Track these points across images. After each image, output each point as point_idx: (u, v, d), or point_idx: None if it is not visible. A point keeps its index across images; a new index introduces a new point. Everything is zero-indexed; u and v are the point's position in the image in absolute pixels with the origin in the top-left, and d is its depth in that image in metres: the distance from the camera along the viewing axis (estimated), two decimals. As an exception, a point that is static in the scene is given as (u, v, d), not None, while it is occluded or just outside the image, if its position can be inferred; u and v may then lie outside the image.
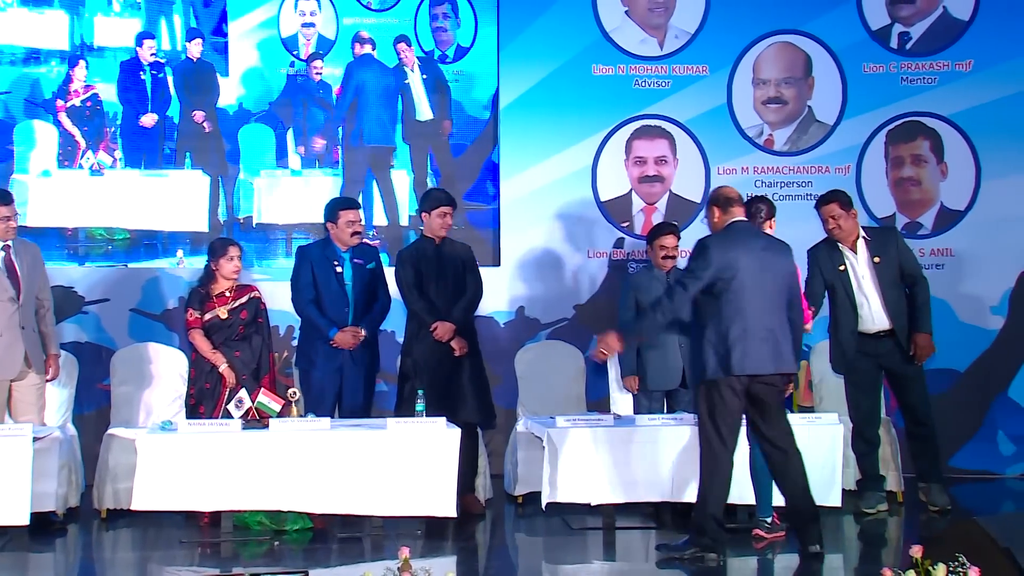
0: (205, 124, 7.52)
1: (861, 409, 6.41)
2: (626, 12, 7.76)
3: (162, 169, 7.50)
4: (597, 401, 7.18)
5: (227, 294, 6.26)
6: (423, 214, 6.43)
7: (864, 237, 6.38)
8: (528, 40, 7.65)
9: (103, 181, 7.44)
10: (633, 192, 7.82)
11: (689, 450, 5.82)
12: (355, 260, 6.40)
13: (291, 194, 7.62)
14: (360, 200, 7.21)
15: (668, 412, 6.41)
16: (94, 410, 6.97)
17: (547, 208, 7.69)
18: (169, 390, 6.75)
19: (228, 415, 5.86)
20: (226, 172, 7.57)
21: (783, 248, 5.46)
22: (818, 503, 5.87)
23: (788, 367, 5.29)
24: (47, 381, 6.12)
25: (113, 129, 7.45)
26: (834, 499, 5.89)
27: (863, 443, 6.43)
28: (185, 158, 7.54)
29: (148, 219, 7.47)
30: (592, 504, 5.86)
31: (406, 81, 7.71)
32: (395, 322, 7.19)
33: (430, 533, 5.77)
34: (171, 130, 7.51)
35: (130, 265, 7.40)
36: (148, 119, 7.46)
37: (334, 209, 6.41)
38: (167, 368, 6.80)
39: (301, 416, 5.84)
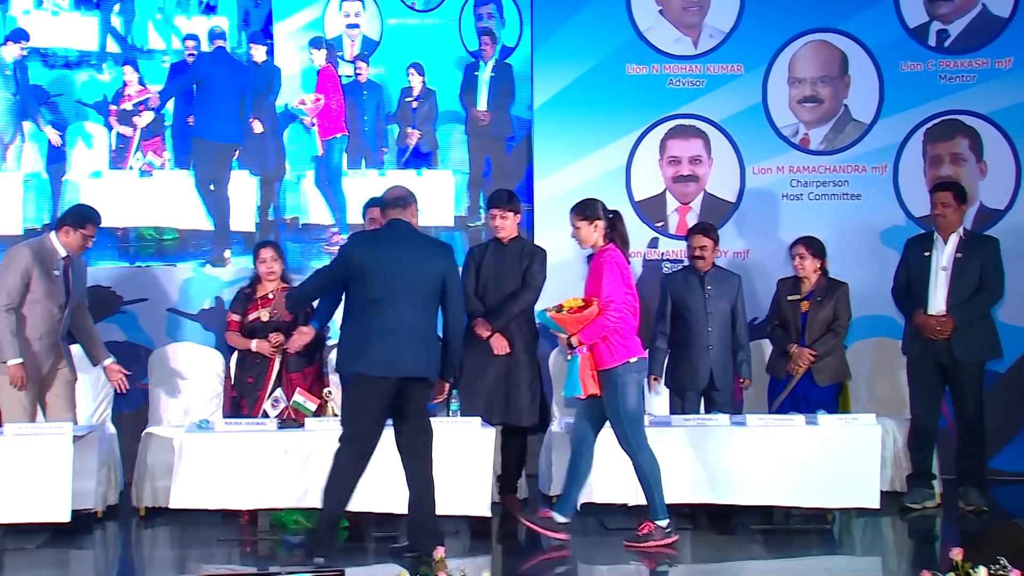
0: (254, 125, 7.55)
1: (917, 405, 6.49)
2: (660, 11, 7.73)
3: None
4: (632, 401, 7.16)
5: (271, 296, 6.30)
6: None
7: (961, 236, 6.43)
8: (561, 40, 7.63)
9: (152, 182, 7.50)
10: (667, 192, 7.79)
11: (726, 451, 5.81)
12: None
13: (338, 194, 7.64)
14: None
15: (705, 412, 6.39)
16: (132, 409, 7.03)
17: (581, 208, 7.67)
18: (206, 389, 6.81)
19: (265, 415, 5.91)
20: (273, 173, 7.59)
21: (436, 250, 5.35)
22: (855, 504, 5.86)
23: (406, 371, 5.15)
24: (120, 394, 6.35)
25: (162, 131, 7.50)
26: (871, 500, 5.85)
27: (916, 439, 6.47)
28: (233, 158, 7.58)
29: (197, 219, 7.52)
30: (628, 505, 5.85)
31: (475, 73, 7.71)
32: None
33: (469, 533, 5.76)
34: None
35: (179, 265, 7.44)
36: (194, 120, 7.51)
37: (363, 206, 6.48)
38: (204, 367, 6.85)
39: (336, 415, 5.87)
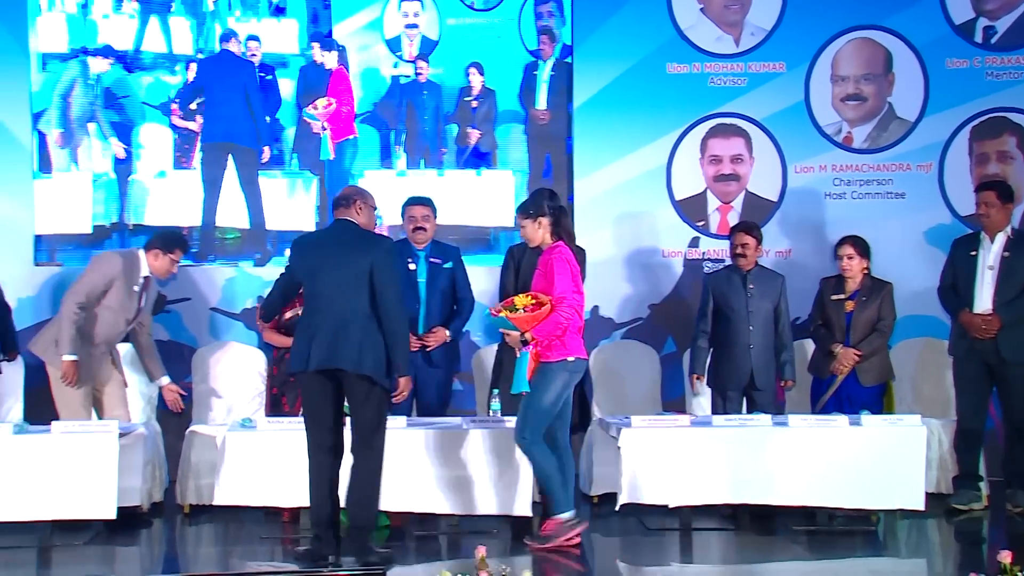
0: (313, 125, 7.56)
1: (963, 405, 6.42)
2: (701, 9, 7.70)
3: (271, 169, 7.58)
4: (673, 401, 7.15)
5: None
6: None
7: (1009, 235, 6.38)
8: (601, 39, 7.61)
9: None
10: (708, 191, 7.75)
11: (769, 451, 5.76)
12: (431, 259, 6.42)
13: (395, 195, 7.49)
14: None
15: (747, 412, 6.35)
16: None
17: (621, 207, 7.65)
18: (248, 388, 6.86)
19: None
20: (332, 172, 7.60)
21: (366, 244, 5.22)
22: (900, 506, 5.80)
23: (334, 363, 5.08)
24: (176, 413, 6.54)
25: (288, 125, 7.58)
26: (916, 502, 5.78)
27: (963, 439, 6.41)
28: (293, 159, 7.59)
29: (260, 219, 7.55)
30: (669, 506, 5.82)
31: (535, 72, 7.70)
32: (469, 321, 7.22)
33: (510, 533, 5.77)
34: (280, 131, 7.59)
35: (241, 264, 7.48)
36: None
37: (402, 205, 6.48)
38: (246, 366, 6.91)
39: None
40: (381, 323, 5.15)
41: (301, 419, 5.72)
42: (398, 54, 7.67)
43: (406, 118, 7.66)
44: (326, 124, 7.59)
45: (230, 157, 7.51)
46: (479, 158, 7.71)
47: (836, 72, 7.68)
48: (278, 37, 7.60)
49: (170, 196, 7.46)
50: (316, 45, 7.59)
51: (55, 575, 5.19)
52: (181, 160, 7.53)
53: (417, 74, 7.67)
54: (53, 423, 5.60)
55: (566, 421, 5.63)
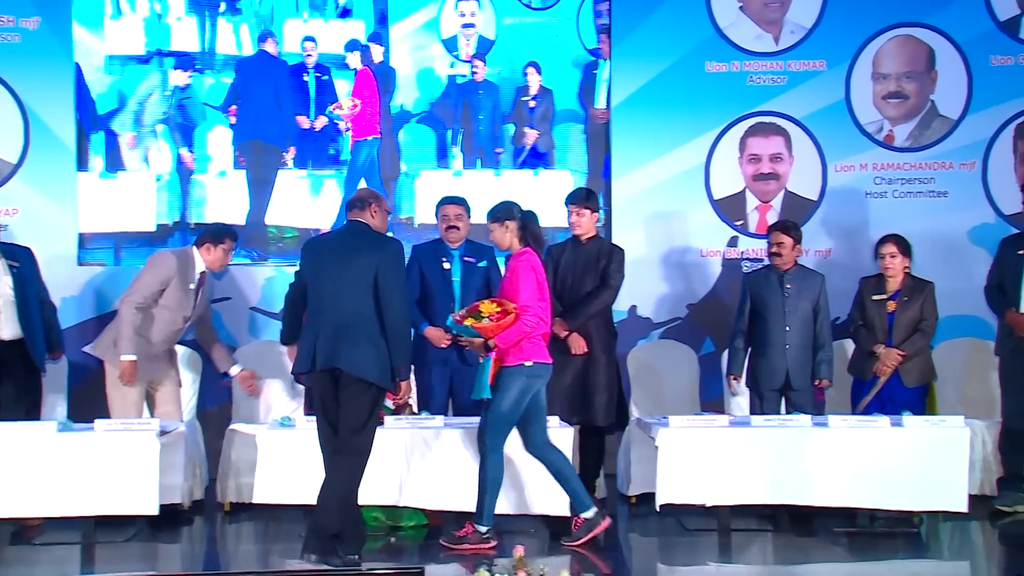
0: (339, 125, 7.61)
1: (1009, 406, 6.36)
2: (740, 8, 7.66)
3: (328, 169, 7.63)
4: (711, 401, 7.12)
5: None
6: None
7: None
8: (640, 38, 7.60)
9: (276, 181, 7.58)
10: (747, 190, 7.71)
11: (808, 452, 5.72)
12: (465, 257, 6.44)
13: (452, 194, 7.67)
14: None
15: (785, 413, 6.31)
16: (216, 406, 7.15)
17: (659, 206, 7.63)
18: (287, 386, 6.90)
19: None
20: (389, 172, 7.62)
21: (372, 245, 5.19)
22: (943, 508, 5.74)
23: (333, 364, 5.06)
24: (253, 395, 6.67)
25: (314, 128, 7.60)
26: (959, 504, 5.72)
27: (1008, 440, 6.35)
28: (349, 158, 7.63)
29: (315, 218, 7.59)
30: (707, 506, 5.80)
31: (594, 71, 7.69)
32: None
33: (547, 532, 5.77)
34: (335, 131, 7.64)
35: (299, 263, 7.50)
36: (303, 120, 7.58)
37: (435, 205, 6.52)
38: (285, 365, 6.93)
39: (415, 414, 5.91)
40: (383, 325, 5.13)
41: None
42: (455, 54, 7.67)
43: (462, 118, 7.66)
44: (349, 124, 7.61)
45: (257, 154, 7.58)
46: (537, 158, 7.69)
47: (877, 70, 7.62)
48: (341, 38, 7.61)
49: (230, 195, 7.53)
50: (372, 45, 7.60)
51: (99, 571, 5.25)
52: (240, 160, 7.59)
53: (473, 73, 7.66)
54: (96, 421, 5.66)
55: (542, 424, 5.62)
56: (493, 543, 5.46)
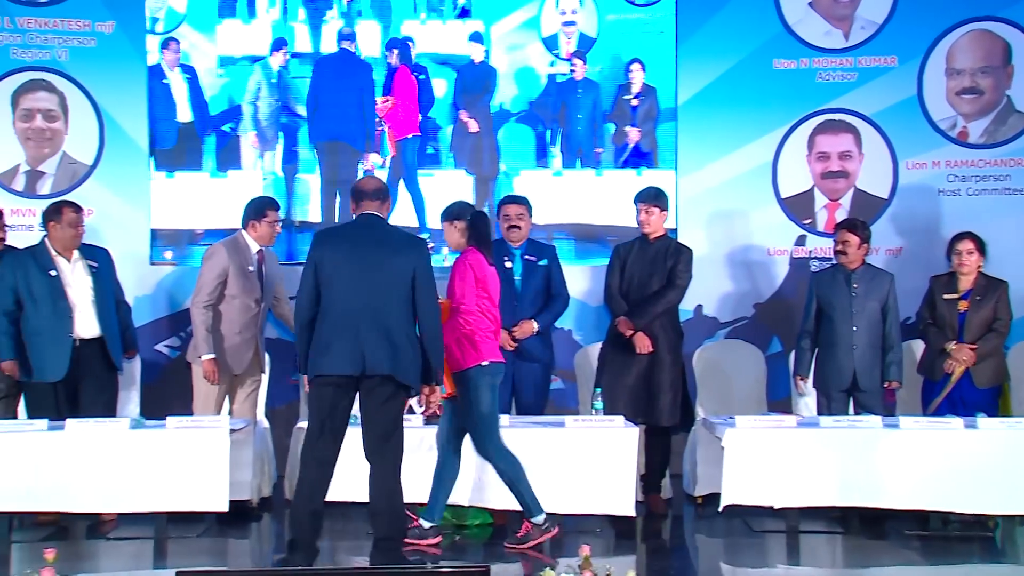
0: (470, 124, 7.63)
1: None
2: (809, 4, 7.57)
3: (427, 168, 7.66)
4: (778, 401, 7.04)
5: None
6: None
7: None
8: (707, 35, 7.54)
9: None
10: (815, 188, 7.62)
11: (879, 453, 5.64)
12: (526, 256, 6.46)
13: (551, 194, 7.58)
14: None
15: (854, 414, 6.22)
16: (285, 404, 7.24)
17: (725, 205, 7.57)
18: (354, 386, 6.95)
19: (411, 411, 5.99)
20: (488, 172, 7.65)
21: (406, 244, 5.17)
22: (1019, 511, 5.62)
23: (367, 369, 5.00)
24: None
25: (380, 131, 7.65)
26: (1036, 508, 5.60)
27: None
28: (449, 158, 7.65)
29: (414, 217, 7.61)
30: (775, 507, 5.74)
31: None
32: (570, 319, 7.24)
33: (613, 532, 5.75)
34: (434, 131, 7.67)
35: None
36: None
37: (496, 204, 6.53)
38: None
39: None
40: (420, 327, 5.09)
41: (407, 416, 5.79)
42: (555, 52, 7.65)
43: (561, 117, 7.62)
44: (385, 122, 7.63)
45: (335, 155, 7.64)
46: (640, 157, 7.63)
47: (951, 65, 7.49)
48: (445, 38, 7.64)
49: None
50: (476, 45, 7.61)
51: (171, 565, 5.33)
52: (316, 159, 7.64)
53: (572, 71, 7.62)
54: (168, 419, 5.76)
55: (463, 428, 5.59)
56: (555, 530, 5.44)
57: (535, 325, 6.34)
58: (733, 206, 7.58)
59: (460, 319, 5.40)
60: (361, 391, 5.12)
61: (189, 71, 7.58)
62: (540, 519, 5.42)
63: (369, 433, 5.13)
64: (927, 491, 5.62)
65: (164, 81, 7.54)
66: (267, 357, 6.88)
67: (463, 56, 7.64)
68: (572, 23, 7.63)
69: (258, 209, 6.37)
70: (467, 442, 5.63)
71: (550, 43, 7.66)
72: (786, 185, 7.60)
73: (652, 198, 6.37)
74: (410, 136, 7.63)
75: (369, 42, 7.64)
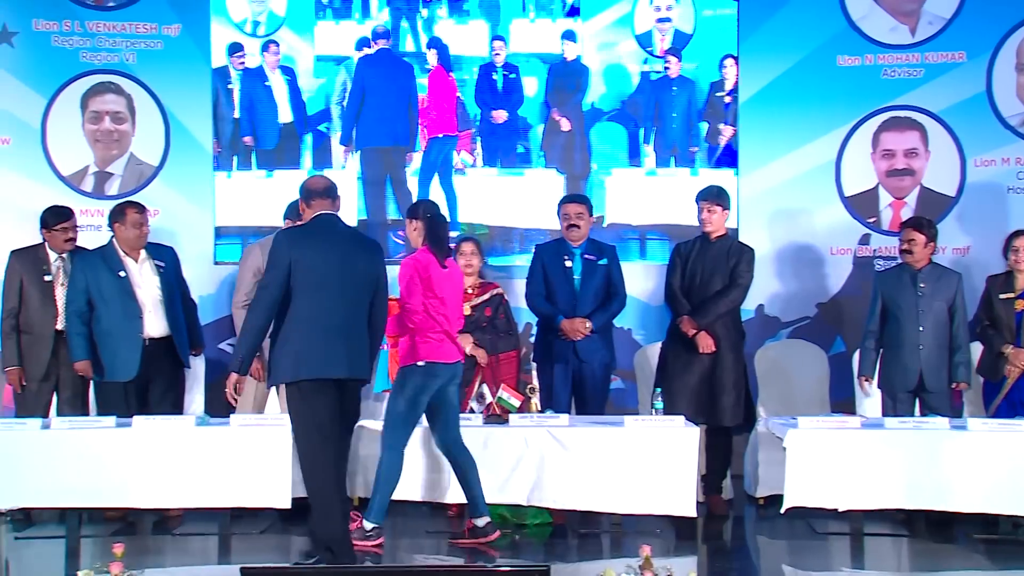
0: (561, 122, 7.62)
1: None
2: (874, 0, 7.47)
3: (518, 167, 7.67)
4: (841, 402, 6.95)
5: (470, 291, 6.42)
6: None
7: None
8: (769, 32, 7.47)
9: (466, 180, 7.64)
10: (880, 186, 7.51)
11: (946, 455, 5.55)
12: (586, 255, 6.44)
13: (643, 194, 7.55)
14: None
15: (920, 415, 6.12)
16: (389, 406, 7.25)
17: (788, 203, 7.50)
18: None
19: (471, 410, 6.02)
20: (579, 171, 7.63)
21: (371, 249, 5.19)
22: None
23: (352, 372, 5.01)
24: None
25: (473, 130, 7.68)
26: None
27: None
28: (539, 156, 7.65)
29: (505, 216, 7.62)
30: (839, 509, 5.66)
31: None
32: (630, 318, 7.20)
33: (673, 533, 5.73)
34: (525, 129, 7.68)
35: (491, 261, 7.36)
36: (499, 114, 7.61)
37: (557, 203, 6.53)
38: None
39: (539, 412, 5.93)
40: (371, 329, 5.12)
41: (464, 417, 5.82)
42: (648, 49, 7.61)
43: (655, 115, 7.58)
44: (421, 121, 7.64)
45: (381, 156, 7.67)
46: (732, 156, 7.56)
47: (1021, 60, 7.34)
48: (538, 36, 7.63)
49: (431, 193, 7.60)
50: (568, 42, 7.59)
51: (235, 561, 5.40)
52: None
53: (666, 69, 7.57)
54: (232, 416, 5.83)
55: (450, 422, 5.60)
56: (378, 540, 5.46)
57: (588, 324, 6.32)
58: (795, 205, 7.50)
59: (404, 318, 5.49)
60: (341, 395, 5.08)
61: (288, 72, 7.68)
62: (369, 526, 5.46)
63: (345, 433, 5.19)
64: (996, 494, 5.51)
65: (266, 83, 7.64)
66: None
67: (555, 54, 7.61)
68: (667, 19, 7.57)
69: (294, 209, 6.38)
70: (528, 439, 5.64)
71: (644, 40, 7.60)
72: (850, 183, 7.50)
73: (714, 197, 6.33)
74: (440, 135, 7.64)
75: (476, 42, 7.62)
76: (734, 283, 6.26)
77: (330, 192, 5.19)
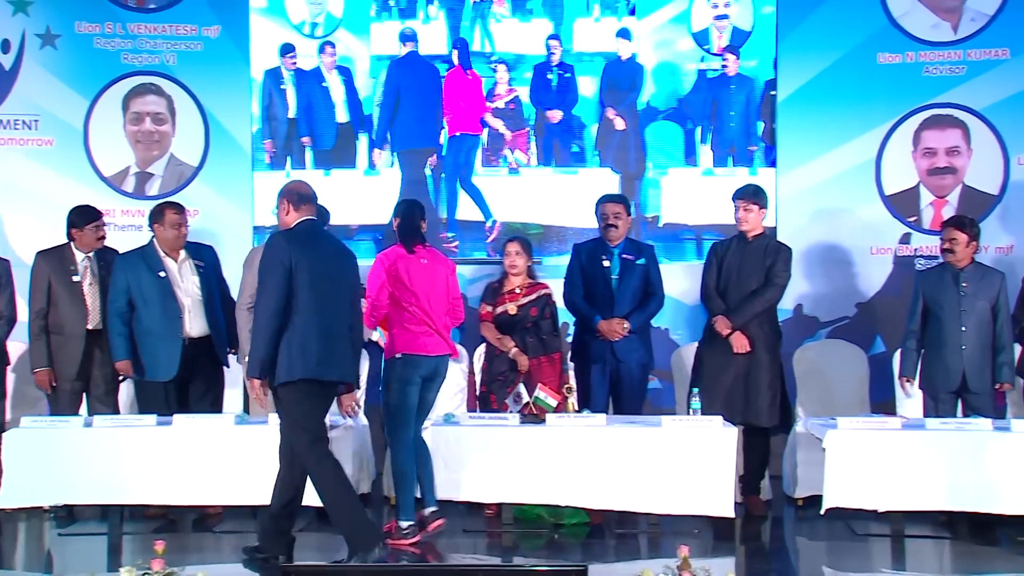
0: (616, 121, 7.62)
1: None
2: (916, -4, 7.41)
3: (572, 167, 7.67)
4: (882, 403, 6.90)
5: (517, 291, 6.42)
6: None
7: None
8: (808, 30, 7.43)
9: (520, 179, 7.67)
10: (921, 185, 7.44)
11: (990, 457, 5.49)
12: (624, 255, 6.42)
13: (700, 193, 7.53)
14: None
15: (962, 416, 6.05)
16: (381, 403, 7.30)
17: (827, 202, 7.46)
18: (451, 384, 6.97)
19: (508, 411, 6.01)
20: (634, 171, 7.62)
21: (349, 252, 5.30)
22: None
23: (347, 376, 5.16)
24: None
25: (528, 129, 7.69)
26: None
27: None
28: (594, 155, 7.64)
29: (559, 215, 7.62)
30: (879, 511, 5.61)
31: None
32: (668, 318, 7.18)
33: (711, 533, 5.70)
34: (579, 128, 7.68)
35: (544, 261, 7.38)
36: (554, 114, 7.62)
37: (595, 203, 6.51)
38: (450, 363, 7.03)
39: (577, 412, 5.91)
40: (352, 332, 5.20)
41: (502, 417, 5.83)
42: (705, 47, 7.58)
43: (711, 114, 7.55)
44: (445, 121, 7.66)
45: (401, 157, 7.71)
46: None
47: (1066, 57, 7.26)
48: (593, 35, 7.63)
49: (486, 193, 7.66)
50: (622, 40, 7.58)
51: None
52: (490, 159, 7.69)
53: (724, 67, 7.53)
54: (270, 415, 5.86)
55: (419, 417, 5.69)
56: (416, 538, 5.47)
57: (626, 325, 6.30)
58: (835, 203, 7.45)
59: (368, 312, 5.59)
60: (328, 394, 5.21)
61: (345, 72, 7.72)
62: (406, 524, 5.49)
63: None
64: (984, 492, 5.44)
65: (323, 84, 7.71)
66: (366, 356, 6.97)
67: (610, 53, 7.60)
68: (725, 16, 7.53)
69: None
70: (566, 439, 5.63)
71: (700, 38, 7.56)
72: (890, 182, 7.44)
73: (750, 195, 6.29)
74: (458, 133, 7.65)
75: (534, 41, 7.63)
76: (770, 282, 6.22)
77: (314, 198, 5.28)
